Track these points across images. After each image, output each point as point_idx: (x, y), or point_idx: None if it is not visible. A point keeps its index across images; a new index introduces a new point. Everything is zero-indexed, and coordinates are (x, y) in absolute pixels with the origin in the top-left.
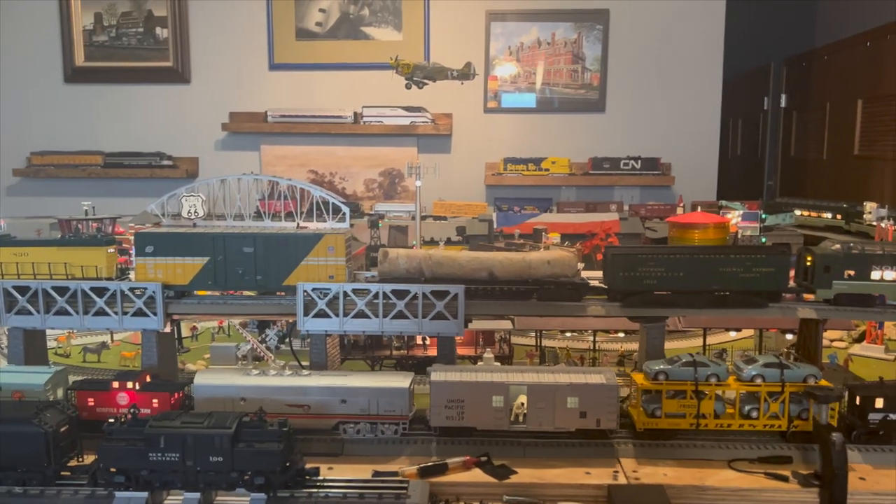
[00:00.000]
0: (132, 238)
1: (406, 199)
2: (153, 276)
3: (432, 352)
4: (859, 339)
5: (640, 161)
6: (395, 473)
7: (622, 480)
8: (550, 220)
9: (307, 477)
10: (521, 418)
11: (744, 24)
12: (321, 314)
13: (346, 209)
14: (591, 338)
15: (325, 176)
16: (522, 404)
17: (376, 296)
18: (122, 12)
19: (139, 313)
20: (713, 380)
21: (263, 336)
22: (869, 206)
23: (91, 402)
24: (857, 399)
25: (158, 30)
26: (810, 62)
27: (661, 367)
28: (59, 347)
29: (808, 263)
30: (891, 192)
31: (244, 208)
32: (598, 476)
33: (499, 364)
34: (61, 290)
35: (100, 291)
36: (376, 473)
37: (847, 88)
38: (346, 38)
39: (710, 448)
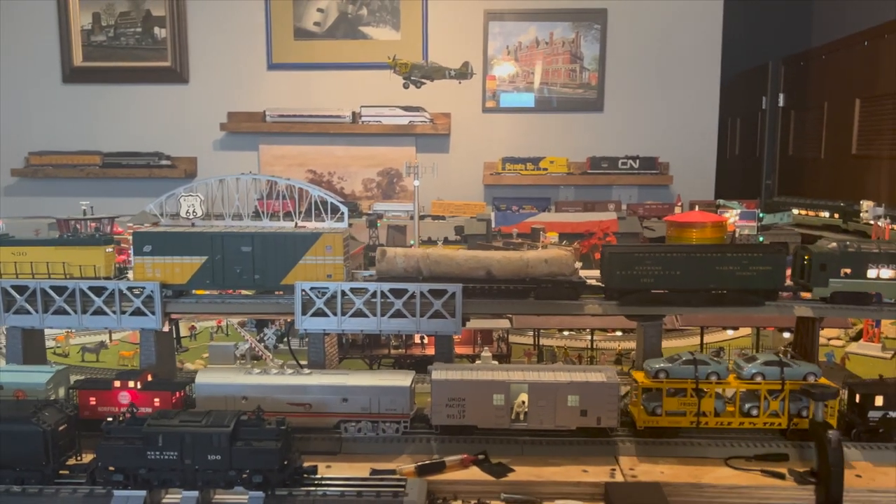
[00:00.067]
0: (130, 237)
1: (404, 199)
2: (151, 275)
3: (430, 351)
4: (856, 338)
5: (638, 160)
6: (393, 472)
7: (619, 478)
8: (549, 219)
9: (305, 475)
10: (522, 416)
11: (742, 24)
12: (319, 313)
13: (344, 209)
14: (589, 337)
15: (324, 176)
16: (523, 402)
17: (374, 295)
18: (121, 12)
19: (137, 312)
20: (713, 378)
21: (262, 335)
22: (865, 204)
23: (93, 401)
24: (857, 397)
25: (157, 30)
26: (808, 61)
27: (662, 365)
28: (58, 347)
29: (805, 262)
30: (888, 191)
31: (242, 208)
32: (596, 474)
33: (496, 363)
34: (60, 290)
35: (98, 291)
36: (374, 472)
37: (845, 88)
38: (344, 38)
39: (708, 446)
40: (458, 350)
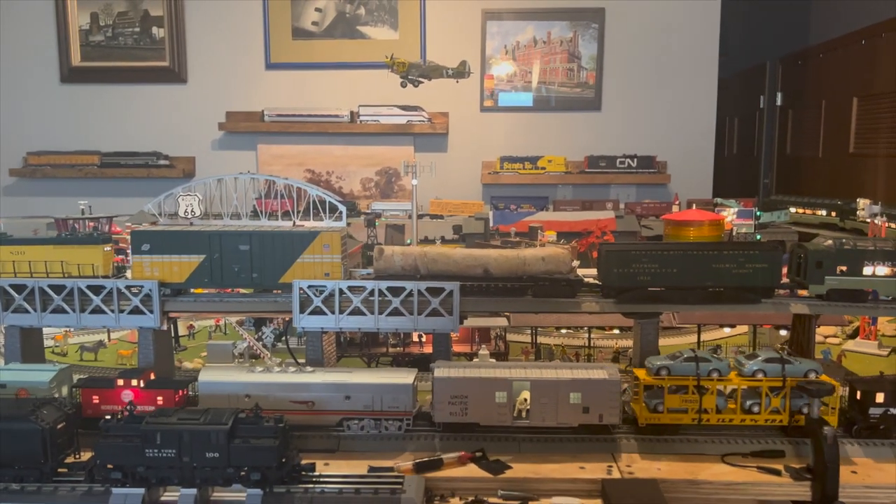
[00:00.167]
0: (129, 237)
1: (403, 198)
2: (150, 274)
3: (428, 349)
4: (853, 336)
5: (636, 159)
6: (391, 469)
7: (616, 475)
8: (547, 218)
9: (303, 473)
10: (524, 414)
11: (739, 23)
12: (317, 311)
13: (342, 208)
14: (586, 334)
15: (322, 175)
16: (525, 400)
17: (372, 293)
18: (119, 12)
19: (136, 311)
20: (715, 375)
21: (260, 334)
22: (862, 202)
23: (96, 399)
24: (858, 394)
25: (155, 29)
26: (806, 60)
27: (664, 362)
28: (57, 346)
29: (801, 260)
30: (885, 189)
31: (241, 207)
32: (593, 471)
33: (494, 361)
34: (58, 289)
35: (96, 289)
36: (372, 469)
37: (842, 86)
38: (342, 38)
39: (708, 443)
40: (456, 348)
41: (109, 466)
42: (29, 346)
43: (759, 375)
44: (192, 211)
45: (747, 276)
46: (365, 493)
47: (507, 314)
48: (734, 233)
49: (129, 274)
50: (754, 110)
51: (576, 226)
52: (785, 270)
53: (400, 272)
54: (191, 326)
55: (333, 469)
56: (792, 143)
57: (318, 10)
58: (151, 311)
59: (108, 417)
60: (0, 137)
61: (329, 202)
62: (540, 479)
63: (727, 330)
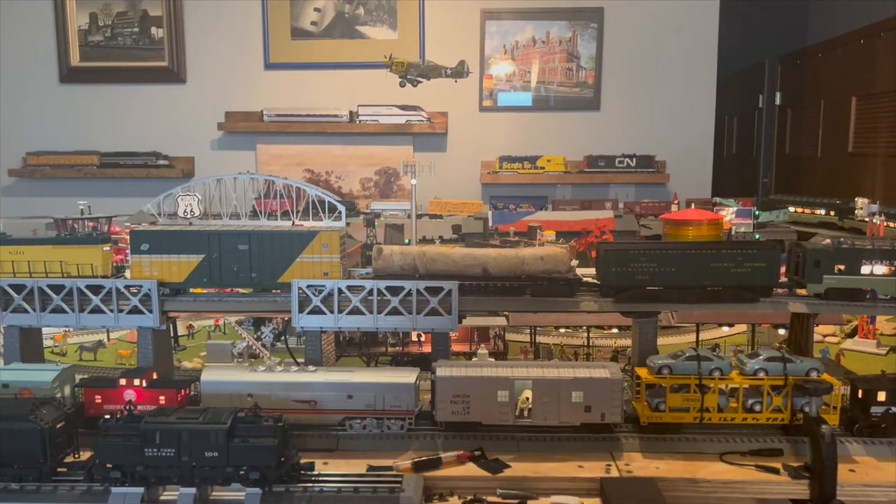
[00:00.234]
0: (128, 237)
1: (402, 198)
2: (149, 273)
3: (427, 348)
4: (851, 334)
5: (634, 159)
6: (390, 468)
7: (614, 474)
8: (546, 217)
9: (302, 472)
10: (526, 413)
11: (738, 23)
12: (316, 311)
13: (341, 208)
14: (585, 334)
15: (321, 175)
16: (527, 399)
17: (371, 292)
18: (118, 12)
19: (135, 311)
20: (717, 374)
21: (259, 333)
22: (860, 202)
23: (98, 399)
24: (860, 392)
25: (154, 29)
26: (804, 60)
27: (665, 361)
28: (56, 346)
29: (799, 259)
30: (883, 188)
31: (240, 207)
32: (591, 469)
33: (493, 360)
34: (57, 288)
35: (95, 289)
36: (371, 468)
37: (841, 86)
38: (341, 38)
39: (704, 441)
40: (455, 347)
41: (108, 466)
42: (28, 346)
43: (761, 374)
44: (191, 211)
45: (746, 276)
46: (364, 491)
47: (506, 313)
48: (733, 232)
49: (128, 274)
50: (753, 110)
51: (575, 225)
52: (783, 269)
53: (399, 272)
54: (190, 326)
55: (332, 468)
56: (791, 142)
57: (316, 10)
58: (150, 311)
59: (107, 417)
60: None
61: (328, 202)
62: (539, 478)
63: (726, 329)
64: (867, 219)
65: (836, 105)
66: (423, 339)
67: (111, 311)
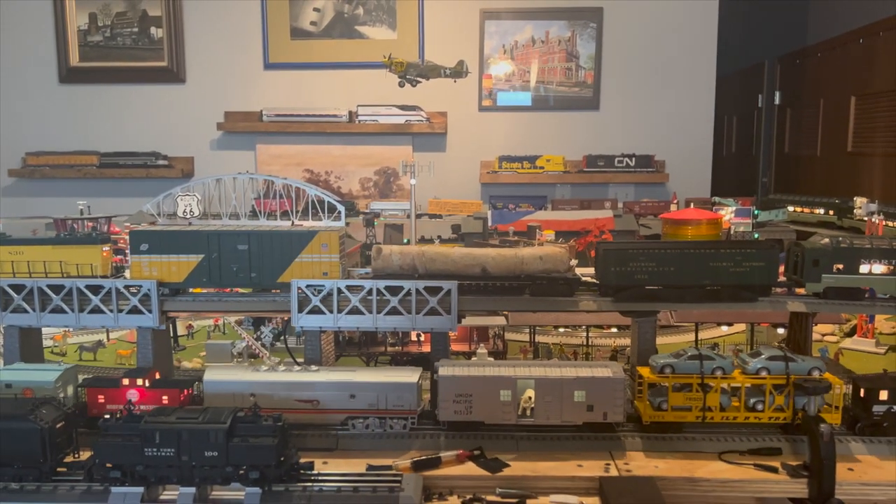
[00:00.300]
0: (127, 237)
1: (401, 198)
2: (148, 273)
3: (427, 348)
4: (850, 334)
5: (634, 158)
6: (390, 467)
7: (613, 473)
8: (545, 217)
9: (302, 471)
10: (528, 412)
11: (737, 22)
12: (315, 311)
13: (341, 208)
14: (585, 333)
15: (321, 175)
16: (530, 398)
17: (370, 292)
18: (117, 12)
19: (134, 311)
20: (719, 373)
21: (259, 333)
22: (859, 201)
23: (101, 398)
24: (862, 391)
25: (153, 30)
26: (804, 59)
27: (668, 360)
28: (56, 346)
29: (797, 258)
30: (882, 188)
31: (240, 207)
32: (590, 468)
33: (492, 359)
34: (57, 289)
35: (95, 289)
36: (370, 467)
37: (840, 85)
38: (340, 38)
39: (703, 440)
40: (454, 347)
41: (108, 465)
42: (28, 347)
43: (763, 373)
44: (190, 211)
45: (745, 275)
46: (363, 491)
47: (505, 313)
48: (732, 231)
49: (127, 274)
50: (752, 109)
51: (574, 225)
52: (782, 269)
53: (398, 271)
54: (189, 326)
55: (332, 467)
56: (790, 141)
57: (316, 10)
58: (150, 311)
59: (106, 416)
60: None
61: (328, 202)
62: (538, 478)
63: (725, 328)
64: (866, 218)
65: (836, 104)
66: (422, 338)
67: (111, 311)
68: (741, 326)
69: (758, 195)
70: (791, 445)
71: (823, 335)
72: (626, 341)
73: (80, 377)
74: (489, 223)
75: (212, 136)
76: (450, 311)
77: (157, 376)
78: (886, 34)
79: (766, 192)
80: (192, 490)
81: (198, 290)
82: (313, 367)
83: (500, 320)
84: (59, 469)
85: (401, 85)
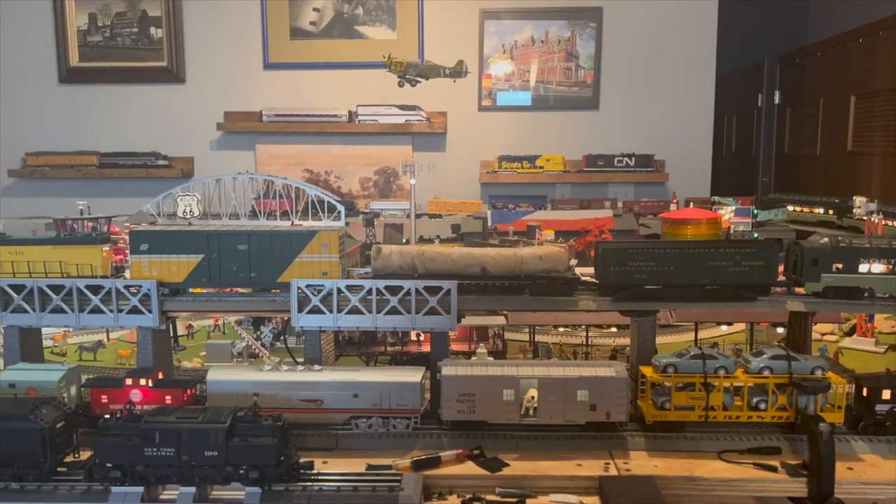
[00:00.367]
0: (127, 237)
1: (401, 198)
2: (148, 273)
3: (427, 347)
4: (850, 333)
5: (633, 158)
6: (389, 467)
7: (613, 472)
8: (545, 217)
9: (301, 471)
10: (531, 412)
11: (737, 22)
12: (315, 310)
13: (341, 207)
14: (584, 333)
15: (321, 175)
16: (533, 398)
17: (370, 292)
18: (117, 12)
19: (134, 311)
20: (721, 372)
21: (258, 333)
22: (858, 200)
23: (104, 398)
24: (865, 390)
25: (153, 30)
26: (803, 59)
27: (670, 360)
28: (56, 346)
29: (797, 257)
30: (881, 187)
31: (239, 207)
32: (590, 468)
33: (492, 359)
34: (57, 289)
35: (95, 289)
36: (370, 467)
37: (840, 85)
38: (340, 38)
39: (702, 440)
40: (454, 347)
41: (108, 465)
42: (28, 347)
43: (766, 372)
44: (190, 211)
45: (744, 274)
46: (363, 490)
47: (505, 312)
48: (731, 231)
49: (127, 274)
50: (752, 109)
51: (574, 224)
52: (782, 268)
53: (398, 271)
54: (189, 326)
55: (332, 467)
56: (790, 141)
57: (315, 10)
58: (150, 311)
59: (106, 416)
60: None
61: (327, 202)
62: (538, 477)
63: (724, 328)
64: (865, 217)
65: (835, 104)
66: (422, 338)
67: (111, 311)
68: (741, 326)
69: (757, 195)
70: (790, 444)
71: (823, 334)
72: (626, 341)
73: (84, 377)
74: (489, 223)
75: (211, 136)
76: (449, 310)
77: (160, 376)
78: (886, 33)
79: (766, 191)
80: (192, 490)
81: (198, 290)
82: (316, 367)
83: (500, 320)
84: (59, 469)
85: (400, 85)
